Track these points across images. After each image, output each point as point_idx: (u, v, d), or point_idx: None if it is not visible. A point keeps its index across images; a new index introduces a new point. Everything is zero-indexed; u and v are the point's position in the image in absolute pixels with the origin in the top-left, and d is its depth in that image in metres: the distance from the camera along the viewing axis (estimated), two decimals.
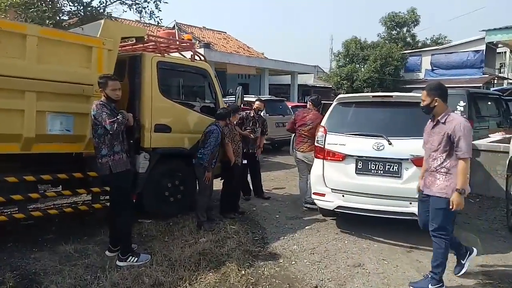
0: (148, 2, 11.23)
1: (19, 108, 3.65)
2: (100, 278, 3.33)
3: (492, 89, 16.43)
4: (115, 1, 11.10)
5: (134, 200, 4.41)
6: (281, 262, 3.84)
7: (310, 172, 5.52)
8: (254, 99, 10.53)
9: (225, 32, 24.42)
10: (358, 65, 26.55)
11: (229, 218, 5.14)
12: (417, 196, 3.60)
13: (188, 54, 5.60)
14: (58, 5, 9.97)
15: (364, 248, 4.25)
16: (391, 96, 4.80)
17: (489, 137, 7.79)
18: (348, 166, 4.52)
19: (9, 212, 4.33)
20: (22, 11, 8.83)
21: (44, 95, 3.78)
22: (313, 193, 4.82)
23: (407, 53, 26.66)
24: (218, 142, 4.76)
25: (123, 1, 11.21)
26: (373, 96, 5.07)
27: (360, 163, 4.45)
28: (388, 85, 24.31)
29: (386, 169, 4.33)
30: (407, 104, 4.58)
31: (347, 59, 27.01)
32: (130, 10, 11.11)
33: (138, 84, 4.73)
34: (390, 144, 4.28)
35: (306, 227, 4.91)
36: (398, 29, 30.56)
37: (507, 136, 7.24)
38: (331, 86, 26.80)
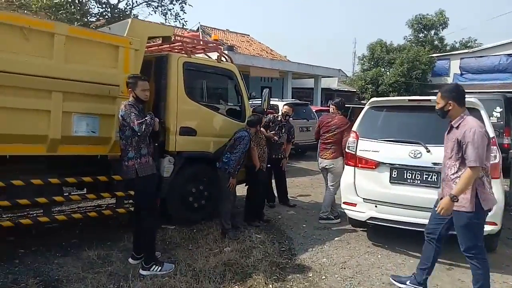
0: (174, 4, 11.30)
1: (46, 108, 3.59)
2: (122, 287, 3.20)
3: None
4: (141, 3, 11.21)
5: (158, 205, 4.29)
6: (310, 277, 3.61)
7: (333, 182, 5.28)
8: (278, 103, 10.43)
9: (248, 35, 24.33)
10: (383, 69, 25.89)
11: (254, 226, 4.96)
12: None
13: (213, 56, 5.48)
14: (86, 7, 10.14)
15: (399, 263, 3.97)
16: (429, 100, 4.46)
17: None
18: (381, 174, 4.26)
19: (34, 215, 4.29)
20: (52, 13, 9.00)
21: (70, 96, 3.71)
22: (343, 203, 4.57)
23: (435, 56, 25.79)
24: (247, 149, 4.61)
25: (149, 3, 11.31)
26: (409, 100, 4.78)
27: (395, 171, 4.18)
28: (415, 89, 23.53)
29: (424, 178, 4.05)
30: None
31: (372, 63, 26.39)
32: (156, 12, 11.20)
33: (163, 85, 4.62)
34: (428, 151, 4.00)
35: (336, 239, 4.66)
36: (425, 32, 29.68)
37: None
38: (355, 90, 26.26)
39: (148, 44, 4.82)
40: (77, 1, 9.80)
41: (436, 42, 29.87)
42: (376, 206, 4.26)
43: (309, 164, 10.33)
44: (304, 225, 5.18)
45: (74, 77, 3.72)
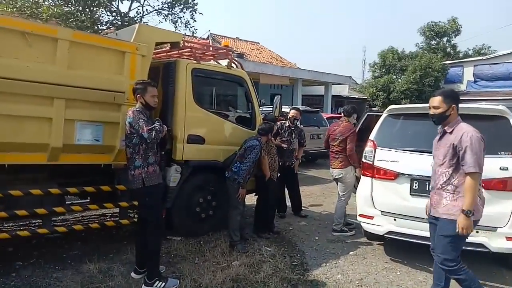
0: (184, 12, 11.24)
1: (47, 116, 3.43)
2: None
3: None
4: (152, 11, 11.19)
5: (163, 216, 4.10)
6: None
7: (344, 192, 5.05)
8: (288, 109, 10.23)
9: (258, 43, 24.30)
10: (395, 76, 25.56)
11: (264, 238, 4.74)
12: (485, 224, 3.15)
13: (223, 63, 5.33)
14: (97, 15, 10.14)
15: (421, 282, 3.70)
16: None
17: None
18: (401, 186, 4.01)
19: (34, 225, 4.14)
20: (62, 22, 9.00)
21: (73, 103, 3.56)
22: (359, 215, 4.32)
23: (448, 63, 25.38)
24: (257, 158, 4.41)
25: (160, 12, 11.28)
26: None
27: (416, 183, 3.93)
28: (427, 97, 23.07)
29: None
30: (470, 117, 3.98)
31: (383, 70, 26.10)
32: (166, 20, 11.15)
33: (171, 92, 4.47)
34: None
35: (351, 253, 4.40)
36: (437, 39, 29.30)
37: None
38: (366, 97, 25.95)
39: (156, 50, 4.70)
40: (87, 10, 9.81)
41: (448, 49, 29.43)
42: (395, 220, 4.01)
43: (320, 172, 10.08)
44: (317, 238, 4.93)
45: (78, 83, 3.57)
